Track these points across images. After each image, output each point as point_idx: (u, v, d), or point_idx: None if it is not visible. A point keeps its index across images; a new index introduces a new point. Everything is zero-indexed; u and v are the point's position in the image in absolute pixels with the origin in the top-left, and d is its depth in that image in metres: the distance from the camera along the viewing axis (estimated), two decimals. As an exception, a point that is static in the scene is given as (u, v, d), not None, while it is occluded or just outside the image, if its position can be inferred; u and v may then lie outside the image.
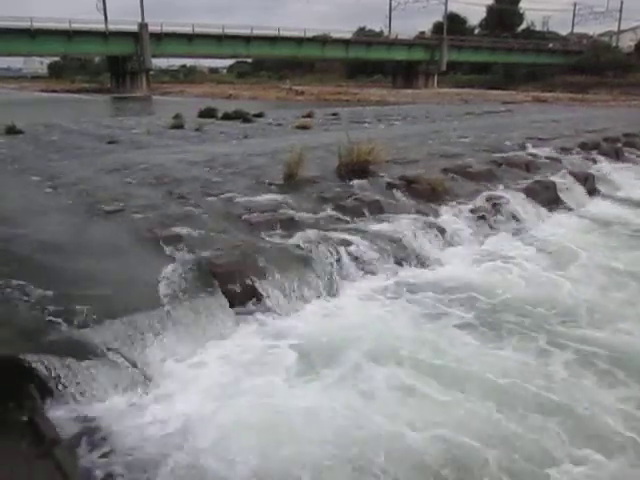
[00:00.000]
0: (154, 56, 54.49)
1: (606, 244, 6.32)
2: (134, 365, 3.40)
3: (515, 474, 2.74)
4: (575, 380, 3.54)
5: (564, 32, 75.42)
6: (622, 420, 3.12)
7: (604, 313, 4.48)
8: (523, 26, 73.25)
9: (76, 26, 48.77)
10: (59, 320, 3.45)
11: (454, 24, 66.76)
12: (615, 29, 69.80)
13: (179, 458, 2.77)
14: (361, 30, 73.02)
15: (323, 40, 59.66)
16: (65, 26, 48.12)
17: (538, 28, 74.53)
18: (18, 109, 36.23)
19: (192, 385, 3.38)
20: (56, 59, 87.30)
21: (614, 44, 66.12)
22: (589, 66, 56.30)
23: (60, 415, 2.98)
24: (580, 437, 2.99)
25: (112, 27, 51.16)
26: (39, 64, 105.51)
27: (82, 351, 3.25)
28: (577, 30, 74.26)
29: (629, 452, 2.88)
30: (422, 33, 70.65)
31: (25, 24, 46.44)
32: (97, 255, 4.51)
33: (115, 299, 3.79)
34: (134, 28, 51.49)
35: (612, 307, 4.63)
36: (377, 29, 73.59)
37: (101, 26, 50.64)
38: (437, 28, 67.80)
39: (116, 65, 56.89)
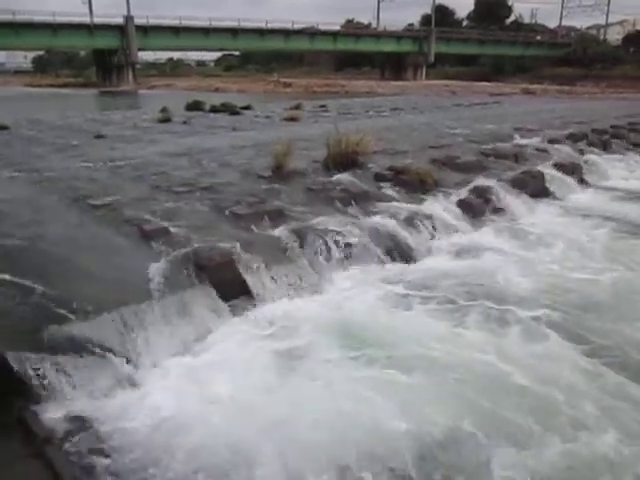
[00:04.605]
0: (140, 49, 53.97)
1: (595, 233, 6.36)
2: (124, 360, 3.37)
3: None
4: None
5: (552, 25, 75.69)
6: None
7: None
8: (511, 18, 73.38)
9: (61, 19, 48.13)
10: (47, 316, 3.41)
11: (442, 16, 66.78)
12: (603, 22, 70.14)
13: (172, 455, 2.76)
14: (349, 22, 72.76)
15: (311, 32, 59.38)
16: (49, 19, 47.46)
17: (526, 20, 74.73)
18: (2, 104, 35.74)
19: (184, 381, 3.35)
20: (40, 53, 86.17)
21: (602, 37, 66.43)
22: (577, 59, 56.54)
23: (50, 413, 2.95)
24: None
25: (97, 20, 50.59)
26: (23, 58, 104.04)
27: (71, 347, 3.22)
28: (565, 23, 74.52)
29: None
30: (410, 25, 70.56)
31: (8, 17, 45.71)
32: (84, 250, 4.46)
33: (103, 294, 3.75)
34: (120, 21, 50.95)
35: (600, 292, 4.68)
36: (366, 21, 73.49)
37: (86, 19, 50.06)
38: (425, 20, 67.75)
39: (102, 59, 56.31)
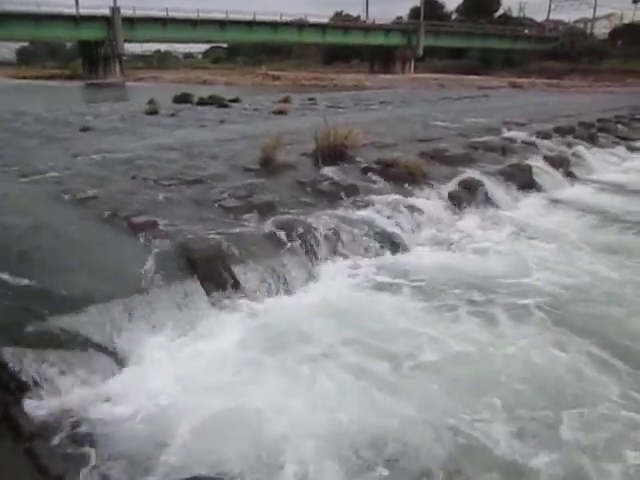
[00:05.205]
0: (127, 41, 53.30)
1: (580, 225, 6.43)
2: (110, 353, 3.36)
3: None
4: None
5: (540, 18, 75.85)
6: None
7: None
8: (500, 12, 73.46)
9: (45, 10, 47.30)
10: (33, 310, 3.39)
11: (431, 9, 66.58)
12: (590, 16, 70.43)
13: (159, 446, 2.76)
14: (338, 15, 72.45)
15: (300, 25, 58.99)
16: (34, 9, 46.63)
17: (515, 14, 74.84)
18: (-14, 96, 35.22)
19: (174, 374, 3.34)
20: (25, 44, 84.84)
21: (589, 31, 66.71)
22: (565, 52, 56.73)
23: (38, 408, 2.93)
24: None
25: (83, 11, 49.75)
26: (7, 50, 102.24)
27: (58, 341, 3.21)
28: (553, 16, 74.68)
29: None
30: (399, 18, 70.39)
31: (-11, 7, 44.79)
32: (71, 243, 4.44)
33: (90, 287, 3.73)
34: (106, 12, 50.21)
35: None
36: (355, 14, 73.20)
37: (72, 10, 49.25)
38: (414, 13, 67.54)
39: (88, 51, 55.53)
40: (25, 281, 3.68)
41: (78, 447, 2.73)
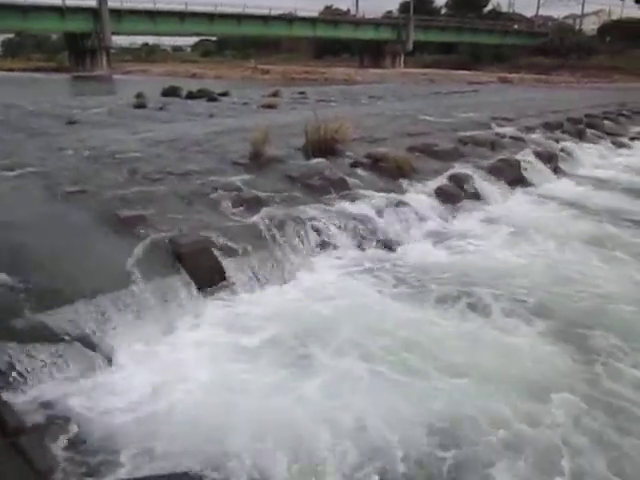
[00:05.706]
0: (115, 34, 52.82)
1: (569, 219, 6.48)
2: (97, 348, 3.34)
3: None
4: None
5: (529, 14, 76.09)
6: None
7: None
8: (489, 7, 73.64)
9: (32, 1, 46.73)
10: (17, 304, 3.35)
11: (421, 4, 66.59)
12: (579, 12, 70.77)
13: (146, 440, 2.74)
14: (327, 9, 72.24)
15: (290, 18, 58.83)
16: (20, 1, 46.02)
17: (504, 9, 75.05)
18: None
19: (161, 368, 3.31)
20: (10, 36, 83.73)
21: (578, 27, 67.09)
22: (554, 48, 57.01)
23: (23, 402, 2.90)
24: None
25: (70, 3, 49.19)
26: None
27: (43, 335, 3.18)
28: (542, 12, 75.01)
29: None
30: (389, 12, 70.32)
31: (-25, -2, 44.15)
32: (58, 237, 4.38)
33: (77, 281, 3.69)
34: (93, 4, 49.70)
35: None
36: (345, 8, 73.05)
37: (58, 1, 48.64)
38: (404, 8, 67.52)
39: (75, 43, 54.92)
40: (9, 276, 3.63)
41: (65, 441, 2.71)
